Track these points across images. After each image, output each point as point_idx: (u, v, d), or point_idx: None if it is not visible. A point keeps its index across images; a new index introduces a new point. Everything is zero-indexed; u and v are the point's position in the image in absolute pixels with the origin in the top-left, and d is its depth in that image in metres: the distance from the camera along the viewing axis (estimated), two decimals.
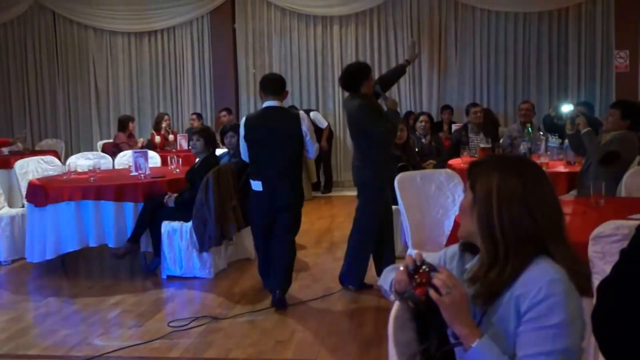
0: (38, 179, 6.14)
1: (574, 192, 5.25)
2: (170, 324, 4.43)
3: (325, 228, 7.55)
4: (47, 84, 11.36)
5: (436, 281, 1.61)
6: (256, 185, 4.75)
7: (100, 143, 9.83)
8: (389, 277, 1.88)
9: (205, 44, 10.88)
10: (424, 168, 6.53)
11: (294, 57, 10.68)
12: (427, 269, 1.64)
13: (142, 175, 6.01)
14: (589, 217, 3.66)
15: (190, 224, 5.40)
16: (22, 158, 7.18)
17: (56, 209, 5.58)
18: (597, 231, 2.73)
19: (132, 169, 6.35)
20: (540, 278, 1.59)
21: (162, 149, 8.80)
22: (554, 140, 6.53)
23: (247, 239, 5.93)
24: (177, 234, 5.46)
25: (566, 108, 5.88)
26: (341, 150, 10.61)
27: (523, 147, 6.52)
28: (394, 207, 5.03)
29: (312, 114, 9.26)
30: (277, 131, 4.67)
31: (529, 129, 6.92)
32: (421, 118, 7.74)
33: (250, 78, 10.65)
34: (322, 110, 10.46)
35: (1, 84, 11.45)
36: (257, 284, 5.22)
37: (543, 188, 1.69)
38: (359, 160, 5.01)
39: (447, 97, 10.35)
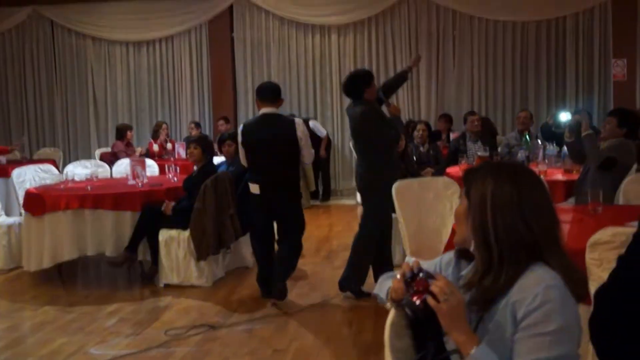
0: (35, 188, 6.13)
1: (572, 200, 5.25)
2: (168, 333, 4.42)
3: (323, 236, 7.53)
4: (45, 92, 11.35)
5: (434, 288, 1.60)
6: (254, 189, 4.94)
7: (98, 152, 9.80)
8: (385, 286, 1.88)
9: (203, 53, 10.88)
10: (422, 177, 6.53)
11: (292, 66, 10.68)
12: (424, 277, 1.64)
13: (139, 184, 6.00)
14: (586, 224, 3.65)
15: (187, 232, 5.40)
16: (19, 166, 7.15)
17: (53, 218, 5.56)
18: (594, 238, 2.73)
19: (130, 177, 6.34)
20: (536, 285, 1.59)
21: (160, 157, 8.79)
22: (551, 148, 6.54)
23: (245, 248, 5.93)
24: (174, 242, 5.46)
25: (564, 116, 5.90)
26: (340, 158, 10.60)
27: (521, 155, 6.53)
28: (392, 215, 5.03)
29: (311, 122, 9.27)
30: (273, 136, 4.87)
31: (527, 137, 6.93)
32: (419, 127, 7.74)
33: (249, 87, 10.65)
34: (321, 119, 10.46)
35: None
36: (255, 292, 5.22)
37: (538, 195, 1.69)
38: (361, 166, 5.05)
39: (445, 105, 10.35)
